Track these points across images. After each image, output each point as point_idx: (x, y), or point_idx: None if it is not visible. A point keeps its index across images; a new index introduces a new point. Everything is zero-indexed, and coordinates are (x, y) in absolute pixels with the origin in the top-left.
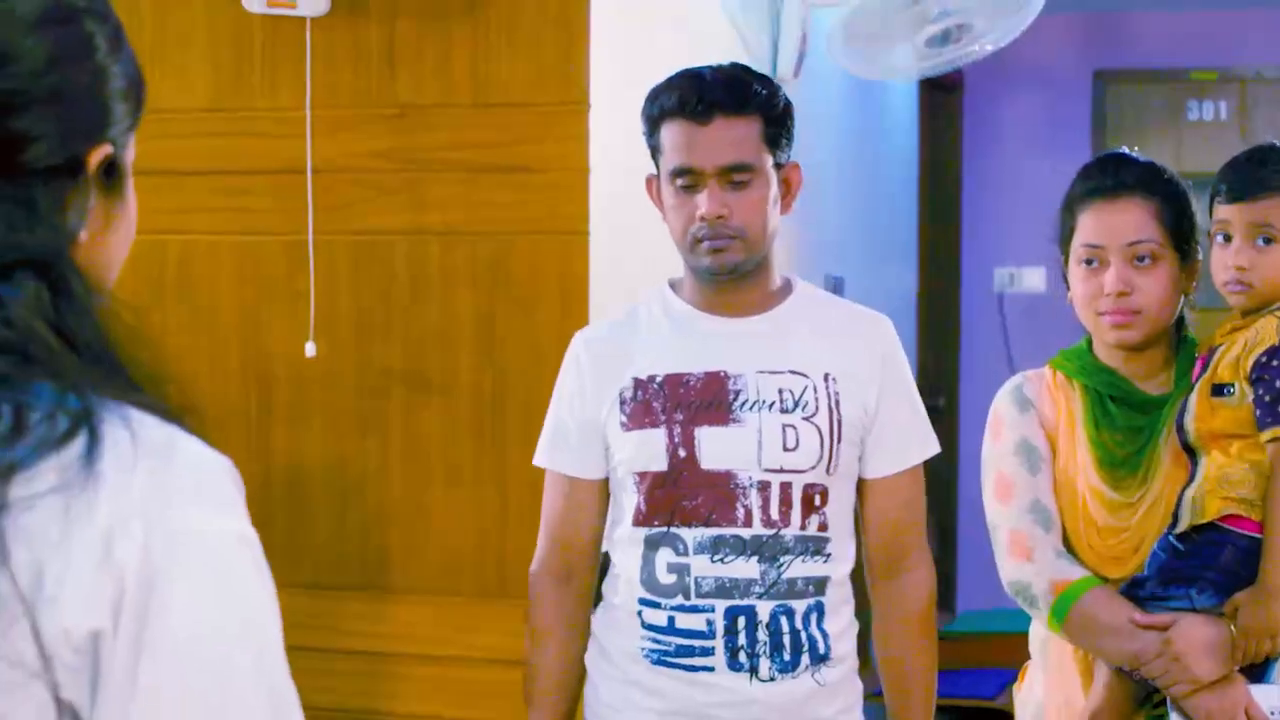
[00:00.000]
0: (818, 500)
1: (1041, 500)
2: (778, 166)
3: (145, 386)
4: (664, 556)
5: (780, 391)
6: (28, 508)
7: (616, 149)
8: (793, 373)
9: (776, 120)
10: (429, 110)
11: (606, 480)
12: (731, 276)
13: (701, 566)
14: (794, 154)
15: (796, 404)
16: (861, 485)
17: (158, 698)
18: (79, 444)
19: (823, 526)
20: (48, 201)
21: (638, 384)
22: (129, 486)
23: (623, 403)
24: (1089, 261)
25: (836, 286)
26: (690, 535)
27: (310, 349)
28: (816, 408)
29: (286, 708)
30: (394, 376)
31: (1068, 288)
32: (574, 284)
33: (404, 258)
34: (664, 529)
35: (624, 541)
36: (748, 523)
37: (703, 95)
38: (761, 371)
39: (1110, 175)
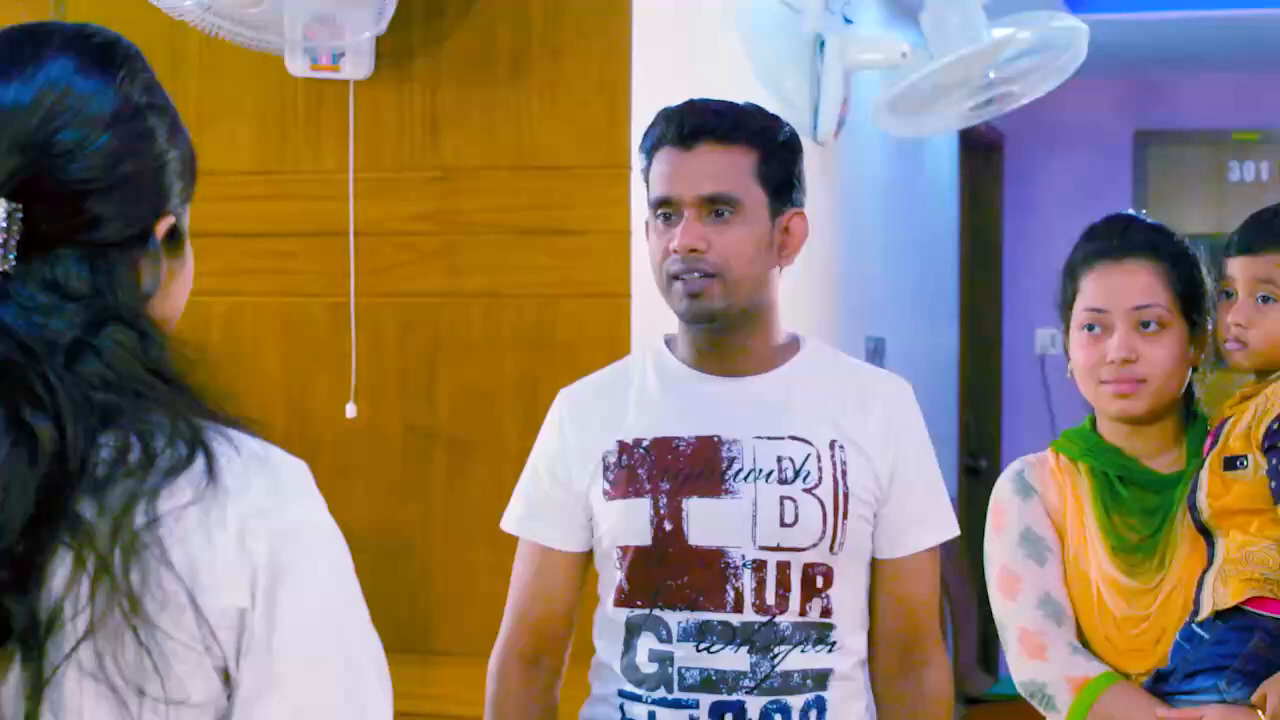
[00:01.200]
0: (820, 582)
1: (1052, 593)
2: (776, 210)
3: (216, 407)
4: (646, 642)
5: (779, 460)
6: (177, 519)
7: None
8: (794, 439)
9: (774, 155)
10: (471, 173)
11: (586, 554)
12: (715, 327)
13: (686, 656)
14: (832, 213)
15: (797, 474)
16: (873, 567)
17: (289, 656)
18: (200, 462)
19: (826, 612)
20: (124, 266)
21: (623, 448)
22: (247, 490)
23: (606, 469)
24: (1090, 327)
25: (878, 348)
26: (674, 619)
27: (351, 410)
28: (820, 478)
29: (382, 660)
30: (437, 439)
31: (1068, 358)
32: (616, 346)
33: (446, 320)
34: (646, 611)
35: (605, 623)
36: (738, 607)
37: (689, 119)
38: (759, 437)
39: (1116, 236)
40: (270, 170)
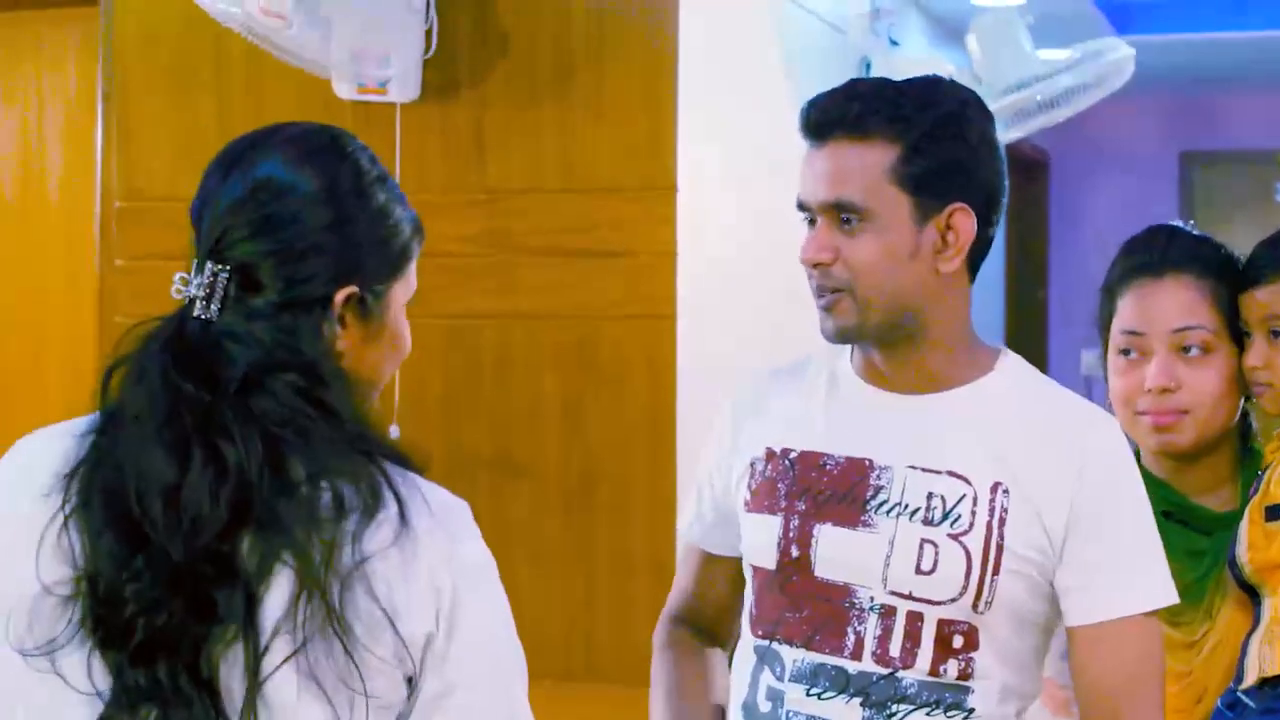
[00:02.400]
0: (959, 642)
1: None
2: (927, 211)
3: (388, 448)
4: (765, 679)
5: (930, 496)
6: (382, 558)
7: (703, 232)
8: (952, 475)
9: (922, 147)
10: (517, 195)
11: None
12: (864, 344)
13: (795, 699)
14: None
15: (945, 516)
16: (1068, 637)
17: (463, 668)
18: (394, 509)
19: (965, 675)
20: (306, 324)
21: (769, 456)
22: (433, 534)
23: (751, 476)
24: (1127, 351)
25: None
26: (789, 656)
27: (394, 431)
28: (971, 524)
29: (523, 666)
30: (481, 459)
31: (1107, 384)
32: (661, 367)
33: (491, 341)
34: (767, 643)
35: (740, 648)
36: (856, 654)
37: (820, 108)
38: (914, 467)
39: (1156, 250)
40: None
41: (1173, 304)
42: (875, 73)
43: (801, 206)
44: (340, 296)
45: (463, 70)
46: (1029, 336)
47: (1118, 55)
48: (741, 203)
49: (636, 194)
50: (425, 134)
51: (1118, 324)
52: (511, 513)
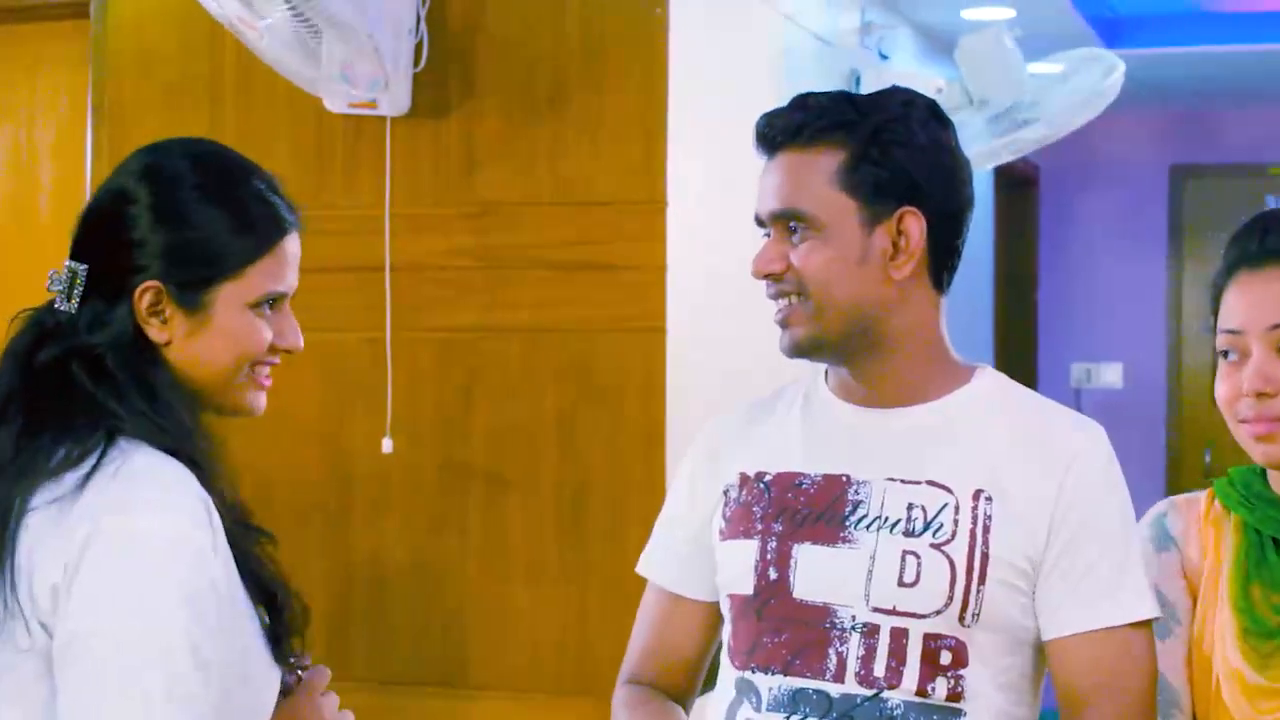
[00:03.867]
0: (945, 658)
1: (1166, 676)
2: (876, 216)
3: (175, 432)
4: (743, 712)
5: (910, 508)
6: (43, 512)
7: (694, 247)
8: (932, 484)
9: (869, 153)
10: (508, 209)
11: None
12: (827, 358)
13: None
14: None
15: (927, 526)
16: (1045, 651)
17: (79, 622)
18: (82, 470)
19: (955, 695)
20: (99, 315)
21: (743, 481)
22: (98, 499)
23: (726, 504)
24: (1226, 353)
25: None
26: (766, 685)
27: (387, 445)
28: (954, 534)
29: (162, 661)
30: (474, 473)
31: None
32: (653, 381)
33: (483, 355)
34: (743, 673)
35: (720, 684)
36: (839, 676)
37: (768, 121)
38: (893, 479)
39: (1254, 239)
40: (306, 205)
41: (1271, 297)
42: (865, 87)
43: (757, 221)
44: (139, 293)
45: (453, 84)
46: (1019, 349)
47: (1110, 76)
48: (732, 217)
49: (627, 208)
50: (416, 148)
51: (1219, 323)
52: (505, 526)
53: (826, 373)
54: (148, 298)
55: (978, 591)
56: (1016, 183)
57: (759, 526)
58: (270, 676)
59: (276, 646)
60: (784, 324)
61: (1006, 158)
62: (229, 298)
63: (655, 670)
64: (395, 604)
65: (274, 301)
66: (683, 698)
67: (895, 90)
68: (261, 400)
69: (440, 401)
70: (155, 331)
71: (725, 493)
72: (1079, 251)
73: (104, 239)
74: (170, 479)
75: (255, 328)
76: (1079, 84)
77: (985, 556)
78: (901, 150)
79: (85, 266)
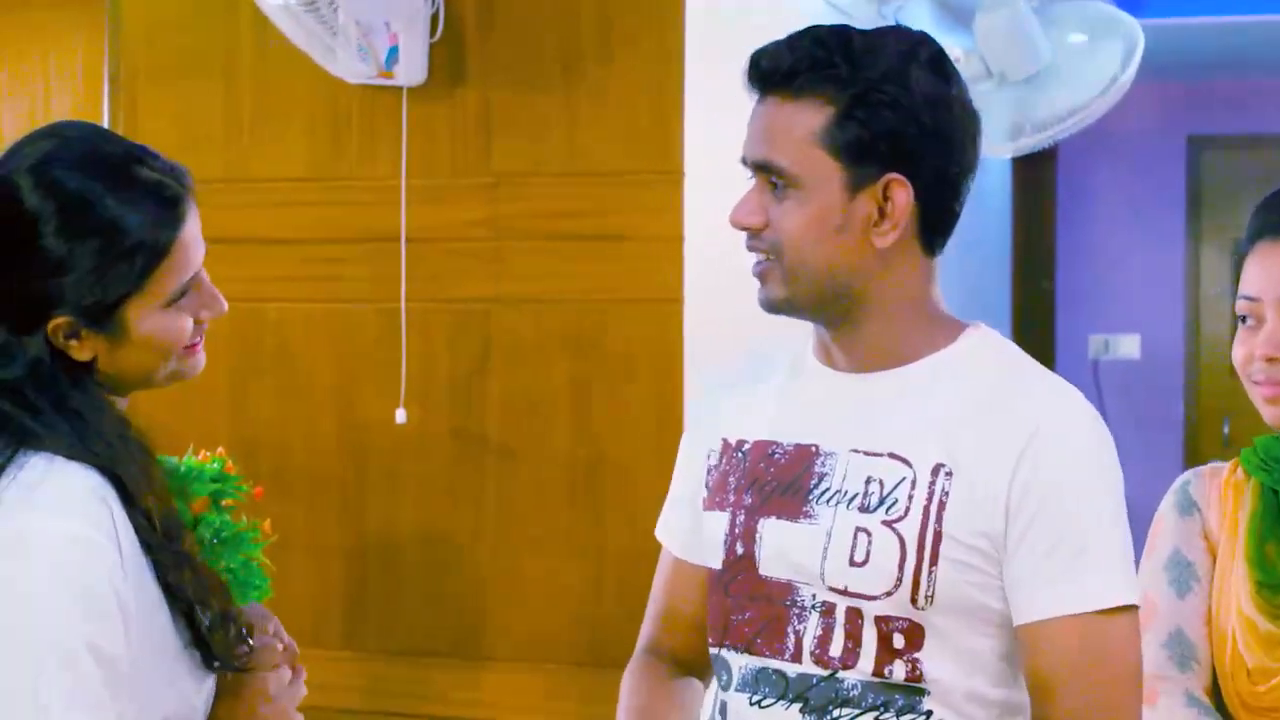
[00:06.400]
0: (900, 641)
1: (1185, 630)
2: (859, 180)
3: (98, 449)
4: (716, 691)
5: (868, 481)
6: None
7: (710, 217)
8: (892, 456)
9: (856, 112)
10: (523, 179)
11: None
12: (793, 315)
13: (739, 709)
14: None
15: (881, 501)
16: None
17: None
18: None
19: (915, 677)
20: (20, 345)
21: (725, 449)
22: None
23: (709, 471)
24: (1244, 319)
25: None
26: (735, 664)
27: (401, 415)
28: (907, 510)
29: (53, 660)
30: (487, 445)
31: None
32: (668, 352)
33: (498, 326)
34: (717, 650)
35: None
36: (796, 656)
37: (758, 61)
38: (856, 450)
39: (1275, 208)
40: (323, 177)
41: None
42: None
43: (743, 161)
44: (51, 328)
45: (469, 54)
46: (1036, 321)
47: (1131, 45)
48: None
49: (643, 179)
50: (432, 118)
51: (1239, 289)
52: (518, 497)
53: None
54: (61, 331)
55: (930, 573)
56: (1032, 155)
57: (731, 498)
58: (192, 683)
59: (207, 652)
60: (760, 279)
61: (1032, 142)
62: (141, 309)
63: (669, 634)
64: (408, 575)
65: (189, 283)
66: (699, 661)
67: (897, 35)
68: (200, 362)
69: (454, 373)
70: (77, 352)
71: (708, 458)
72: (1096, 223)
73: (12, 267)
74: (71, 484)
75: (174, 325)
76: (1100, 55)
77: (938, 535)
78: (892, 112)
79: None
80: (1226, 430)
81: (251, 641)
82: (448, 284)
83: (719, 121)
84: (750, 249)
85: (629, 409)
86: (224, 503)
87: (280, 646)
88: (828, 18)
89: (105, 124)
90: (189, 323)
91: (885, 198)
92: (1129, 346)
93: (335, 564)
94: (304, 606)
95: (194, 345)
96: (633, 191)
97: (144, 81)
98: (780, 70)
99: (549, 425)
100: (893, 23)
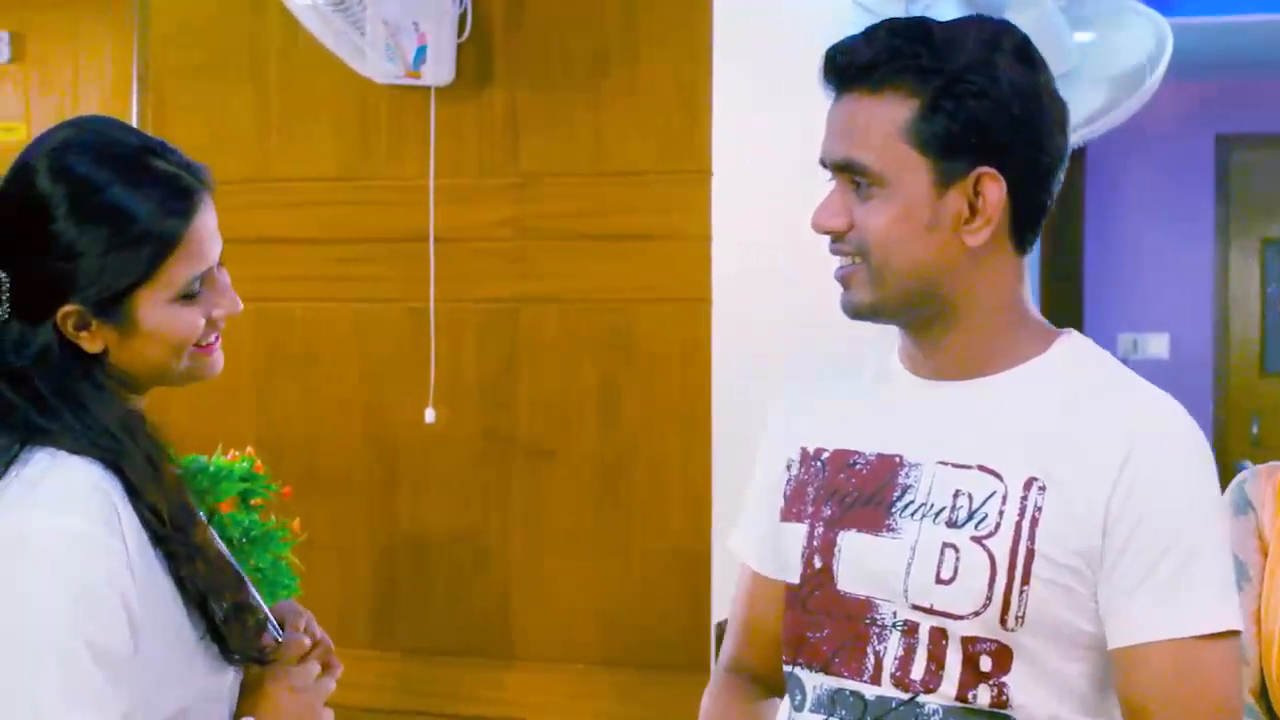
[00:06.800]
0: (987, 664)
1: None
2: (950, 175)
3: (103, 443)
4: (790, 710)
5: (956, 495)
6: None
7: (738, 216)
8: (982, 470)
9: (944, 104)
10: (551, 179)
11: None
12: (878, 321)
13: None
14: None
15: (970, 516)
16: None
17: None
18: None
19: (1000, 703)
20: (21, 334)
21: (803, 457)
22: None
23: (787, 480)
24: None
25: None
26: (810, 683)
27: (430, 415)
28: (998, 526)
29: (52, 659)
30: (515, 443)
31: None
32: (696, 351)
33: (525, 325)
34: (791, 667)
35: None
36: (875, 678)
37: (834, 56)
38: (944, 463)
39: None
40: (352, 177)
41: None
42: None
43: (822, 164)
44: (61, 317)
45: (497, 54)
46: (1065, 319)
47: (1159, 40)
48: (776, 186)
49: (671, 178)
50: (459, 119)
51: None
52: (546, 497)
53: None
54: (71, 320)
55: (1021, 592)
56: None
57: (810, 509)
58: (212, 675)
59: (224, 646)
60: (843, 283)
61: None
62: (150, 301)
63: (750, 651)
64: (437, 573)
65: (202, 279)
66: (782, 679)
67: (979, 24)
68: (217, 363)
69: (482, 372)
70: (87, 344)
71: (788, 467)
72: (1125, 221)
73: (24, 252)
74: (74, 479)
75: (185, 319)
76: (1129, 54)
77: (1031, 554)
78: (981, 102)
79: (7, 276)
80: (1255, 430)
81: (278, 635)
82: (475, 283)
83: (747, 120)
84: (834, 253)
85: (656, 408)
86: (252, 502)
87: (308, 641)
88: (857, 17)
89: (134, 122)
90: (200, 319)
91: (976, 193)
92: (1158, 346)
93: (363, 563)
94: (332, 605)
95: (209, 345)
96: (660, 190)
97: (172, 82)
98: (858, 64)
99: (577, 424)
100: None
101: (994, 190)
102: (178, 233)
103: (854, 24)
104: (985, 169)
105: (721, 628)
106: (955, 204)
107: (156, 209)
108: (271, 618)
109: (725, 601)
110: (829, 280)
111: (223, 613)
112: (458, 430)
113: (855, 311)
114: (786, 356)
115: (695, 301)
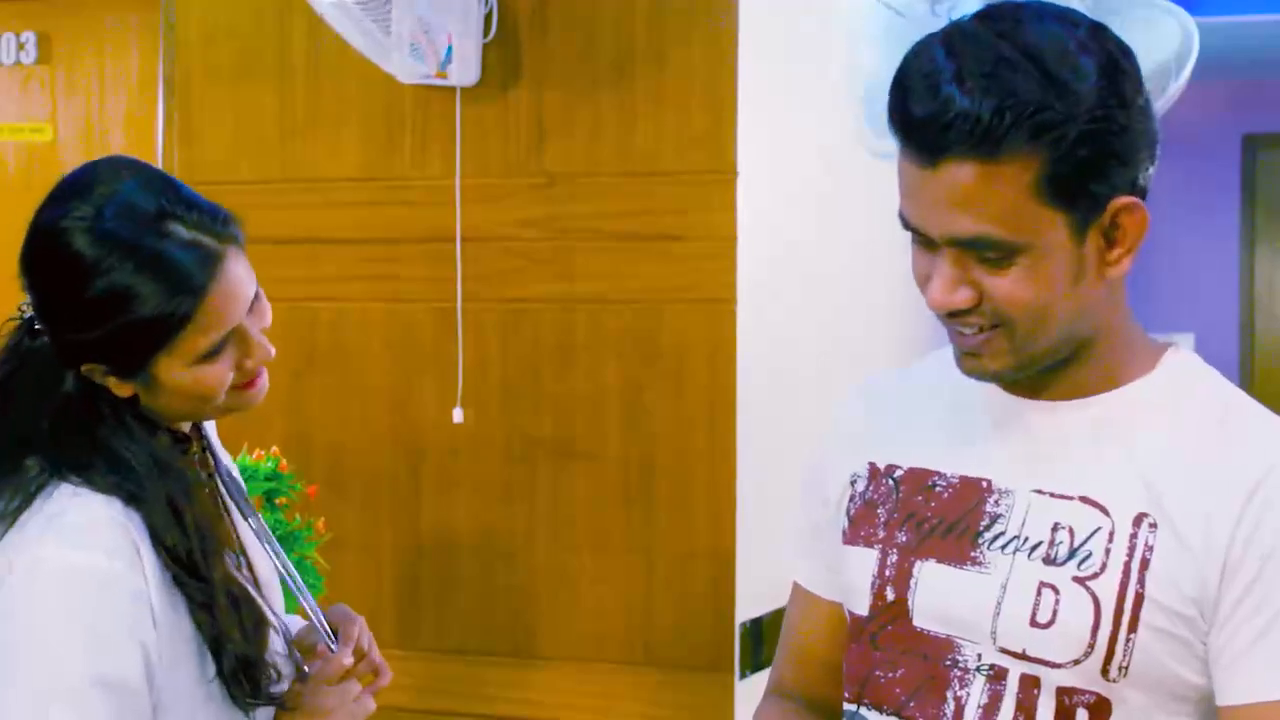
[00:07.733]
0: (1083, 717)
1: None
2: (1088, 218)
3: (123, 483)
4: None
5: (1055, 528)
6: None
7: (765, 217)
8: (1085, 501)
9: (1072, 150)
10: (577, 179)
11: None
12: (1005, 381)
13: None
14: None
15: (1073, 554)
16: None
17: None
18: (13, 509)
19: None
20: (63, 376)
21: (872, 474)
22: (22, 532)
23: (852, 498)
24: None
25: None
26: None
27: (458, 415)
28: (1104, 566)
29: (51, 689)
30: (542, 445)
31: None
32: (722, 353)
33: (552, 326)
34: (855, 708)
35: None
36: None
37: (926, 124)
38: (1040, 492)
39: None
40: (377, 177)
41: None
42: None
43: (912, 228)
44: (85, 369)
45: (523, 54)
46: None
47: (1186, 37)
48: (802, 187)
49: (697, 178)
50: (485, 118)
51: None
52: (572, 497)
53: None
54: (95, 373)
55: (1127, 640)
56: None
57: (881, 534)
58: (235, 712)
59: (238, 686)
60: (973, 353)
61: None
62: (169, 366)
63: (800, 675)
64: (462, 574)
65: (227, 336)
66: (834, 706)
67: (1078, 39)
68: (258, 396)
69: (507, 373)
70: (115, 389)
71: (852, 483)
72: (1151, 222)
73: (54, 306)
74: (94, 515)
75: (211, 375)
76: (1155, 54)
77: (1140, 598)
78: (1117, 139)
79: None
80: None
81: (331, 644)
82: (501, 284)
83: (773, 121)
84: (960, 323)
85: (682, 409)
86: (278, 501)
87: (349, 661)
88: (884, 19)
89: (160, 126)
90: (228, 372)
91: (1114, 224)
92: (1183, 346)
93: (388, 563)
94: (357, 605)
95: (248, 383)
96: (686, 191)
97: (199, 83)
98: (967, 131)
99: (602, 425)
100: (945, 21)
101: (1134, 219)
102: (189, 310)
103: (881, 25)
104: (1123, 201)
105: (746, 628)
106: (1094, 243)
107: (165, 290)
108: (326, 625)
109: (750, 602)
110: (852, 282)
111: (228, 666)
112: (482, 430)
113: (985, 377)
114: (812, 361)
115: (720, 303)
